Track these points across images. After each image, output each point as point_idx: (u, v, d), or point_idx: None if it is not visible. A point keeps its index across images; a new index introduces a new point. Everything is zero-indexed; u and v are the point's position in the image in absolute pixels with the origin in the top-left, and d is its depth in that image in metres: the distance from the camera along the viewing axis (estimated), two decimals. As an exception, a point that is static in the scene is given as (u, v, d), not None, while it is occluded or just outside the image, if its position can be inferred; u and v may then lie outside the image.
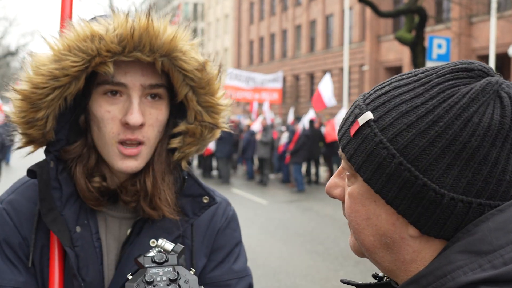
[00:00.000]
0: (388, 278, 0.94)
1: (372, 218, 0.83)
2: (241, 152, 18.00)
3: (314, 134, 16.15)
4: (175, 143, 1.38)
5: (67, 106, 1.30)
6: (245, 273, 1.49)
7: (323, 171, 18.43)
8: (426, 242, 0.80)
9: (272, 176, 18.68)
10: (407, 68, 26.79)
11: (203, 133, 1.38)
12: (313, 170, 17.02)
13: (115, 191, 1.36)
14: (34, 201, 1.35)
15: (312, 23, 41.15)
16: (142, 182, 1.35)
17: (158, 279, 1.04)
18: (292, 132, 16.92)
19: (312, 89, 37.64)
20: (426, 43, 15.16)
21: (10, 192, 1.40)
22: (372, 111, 0.81)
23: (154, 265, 1.08)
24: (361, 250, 0.90)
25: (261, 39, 49.83)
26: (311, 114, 17.45)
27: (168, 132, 1.38)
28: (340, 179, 0.91)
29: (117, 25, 1.22)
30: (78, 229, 1.31)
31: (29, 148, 1.40)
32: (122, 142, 1.29)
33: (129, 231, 1.37)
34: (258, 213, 11.95)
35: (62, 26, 1.36)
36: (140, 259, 1.10)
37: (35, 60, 1.25)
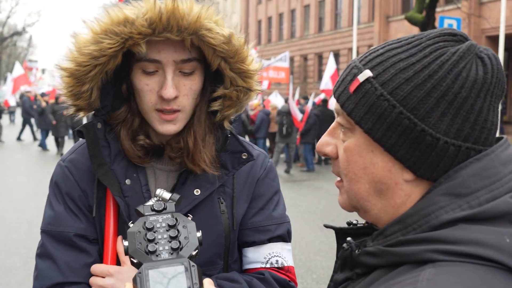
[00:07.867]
0: (366, 223, 1.06)
1: (369, 166, 0.94)
2: (255, 131, 17.89)
3: (324, 113, 16.07)
4: (215, 106, 1.51)
5: (108, 78, 1.45)
6: (283, 219, 1.62)
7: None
8: (417, 186, 0.92)
9: (282, 156, 18.80)
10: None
11: (239, 96, 1.51)
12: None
13: (160, 147, 1.52)
14: None
15: (321, 3, 40.85)
16: (185, 141, 1.50)
17: (158, 225, 1.06)
18: (300, 111, 16.75)
19: (320, 70, 37.48)
20: (437, 24, 15.13)
21: (71, 152, 1.58)
22: (371, 69, 0.91)
23: (154, 213, 1.11)
24: (352, 204, 1.00)
25: (269, 19, 49.46)
26: (322, 95, 17.31)
27: (205, 97, 1.51)
28: (332, 138, 1.00)
29: (146, 10, 1.31)
30: (128, 181, 1.48)
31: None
32: (160, 110, 1.43)
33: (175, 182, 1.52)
34: (270, 191, 12.11)
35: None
36: (140, 208, 1.13)
37: (78, 41, 1.38)
